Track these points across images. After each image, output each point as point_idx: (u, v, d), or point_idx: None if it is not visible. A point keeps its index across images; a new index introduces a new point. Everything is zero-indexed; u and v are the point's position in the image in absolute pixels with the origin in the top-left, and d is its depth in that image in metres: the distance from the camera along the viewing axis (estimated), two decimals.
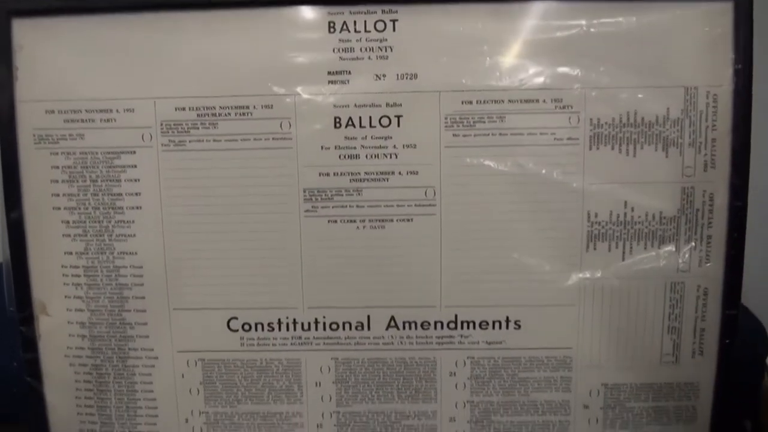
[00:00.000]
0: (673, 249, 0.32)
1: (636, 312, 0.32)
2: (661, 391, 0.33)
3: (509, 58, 0.30)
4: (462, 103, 0.31)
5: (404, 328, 0.33)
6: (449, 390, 0.34)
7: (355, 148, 0.31)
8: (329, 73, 0.31)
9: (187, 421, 0.34)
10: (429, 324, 0.33)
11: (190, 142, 0.32)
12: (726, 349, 0.32)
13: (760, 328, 0.39)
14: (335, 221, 0.32)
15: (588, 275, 0.32)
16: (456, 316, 0.33)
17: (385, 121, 0.31)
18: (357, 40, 0.31)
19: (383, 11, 0.31)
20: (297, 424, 0.34)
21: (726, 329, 0.32)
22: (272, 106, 0.31)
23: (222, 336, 0.33)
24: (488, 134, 0.31)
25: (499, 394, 0.34)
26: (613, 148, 0.31)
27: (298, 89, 0.31)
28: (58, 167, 0.32)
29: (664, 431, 0.34)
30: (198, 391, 0.34)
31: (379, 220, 0.32)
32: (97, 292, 0.33)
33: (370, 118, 0.31)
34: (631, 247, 0.32)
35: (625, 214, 0.32)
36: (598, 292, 0.32)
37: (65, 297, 0.33)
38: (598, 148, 0.31)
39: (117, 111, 0.31)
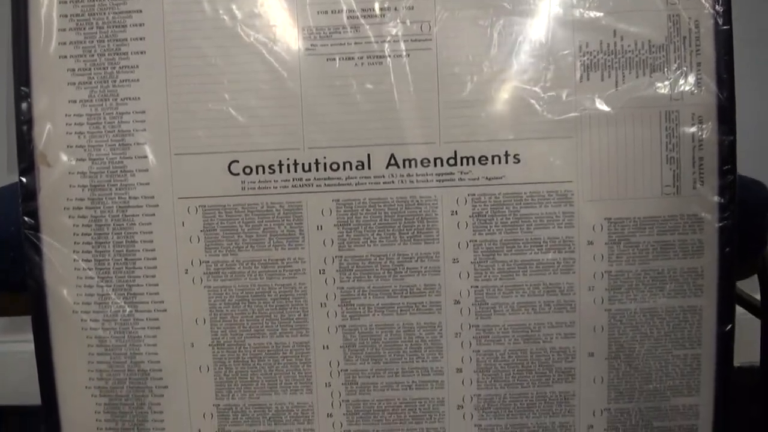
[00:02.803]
0: (665, 77, 0.35)
1: (633, 142, 0.35)
2: (665, 225, 0.36)
3: None
4: None
5: (404, 165, 0.36)
6: (451, 229, 0.36)
7: None
8: None
9: (186, 271, 0.36)
10: (429, 161, 0.36)
11: None
12: (726, 176, 0.35)
13: (757, 182, 0.42)
14: (334, 59, 0.35)
15: (583, 105, 0.35)
16: (455, 151, 0.36)
17: None
18: None
19: None
20: (299, 271, 0.36)
21: (724, 155, 0.35)
22: None
23: (223, 180, 0.36)
24: None
25: (502, 232, 0.36)
26: None
27: None
28: (66, 16, 0.36)
29: (672, 266, 0.36)
30: (198, 239, 0.36)
31: (377, 56, 0.35)
32: (99, 140, 0.36)
33: None
34: (623, 76, 0.35)
35: (615, 43, 0.35)
36: (595, 122, 0.35)
37: (67, 147, 0.36)
38: None
39: None
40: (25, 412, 0.59)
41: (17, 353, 0.71)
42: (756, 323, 0.47)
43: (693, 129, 0.36)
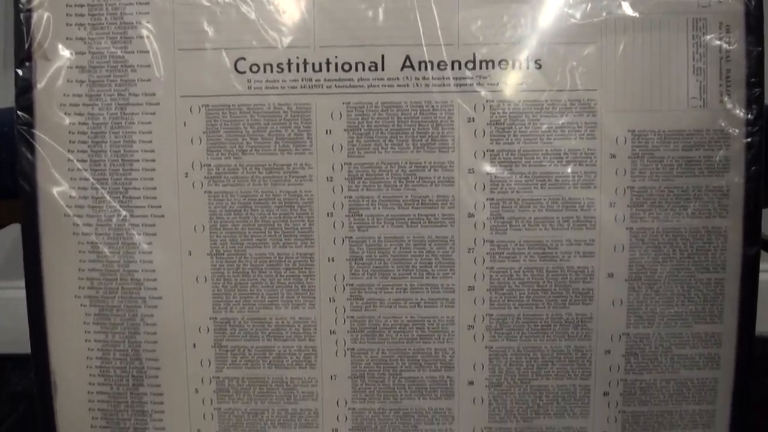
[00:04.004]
0: None
1: (659, 50, 0.35)
2: (690, 139, 0.35)
3: None
4: None
5: (420, 68, 0.35)
6: (468, 138, 0.35)
7: None
8: None
9: (186, 175, 0.35)
10: (446, 64, 0.35)
11: None
12: (753, 89, 0.34)
13: None
14: None
15: (608, 9, 0.34)
16: (474, 54, 0.35)
17: None
18: None
19: None
20: (305, 177, 0.35)
21: (752, 67, 0.34)
22: None
23: (228, 78, 0.35)
24: None
25: (521, 142, 0.35)
26: None
27: None
28: None
29: (696, 184, 0.35)
30: (200, 140, 0.35)
31: None
32: (100, 33, 0.35)
33: None
34: None
35: None
36: (620, 27, 0.34)
37: (67, 39, 0.35)
38: None
39: None
40: (6, 358, 0.57)
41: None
42: None
43: (720, 38, 0.34)
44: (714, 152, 0.35)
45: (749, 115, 0.35)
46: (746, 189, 0.35)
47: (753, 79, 0.35)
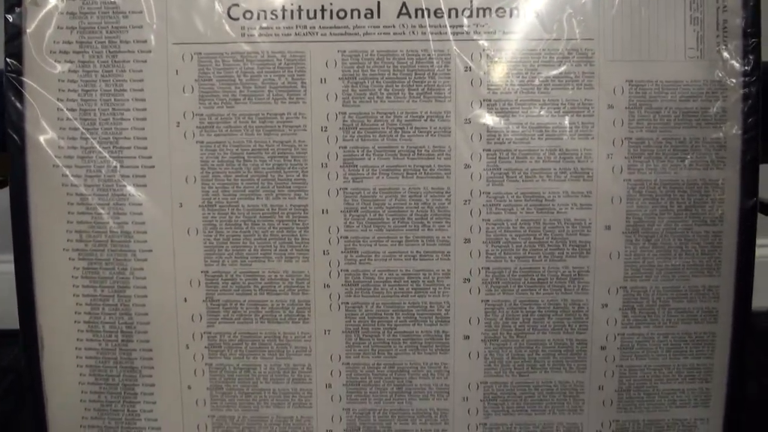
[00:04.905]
0: None
1: (657, 0, 0.34)
2: (688, 90, 0.35)
3: None
4: None
5: (416, 15, 0.34)
6: (464, 87, 0.34)
7: None
8: None
9: (178, 125, 0.35)
10: (442, 11, 0.34)
11: None
12: (749, 39, 0.34)
13: None
14: None
15: None
16: (471, 2, 0.34)
17: None
18: None
19: None
20: (299, 127, 0.35)
21: (748, 17, 0.34)
22: None
23: (221, 25, 0.34)
24: None
25: (518, 92, 0.34)
26: None
27: None
28: None
29: (694, 136, 0.35)
30: (192, 89, 0.34)
31: None
32: None
33: None
34: None
35: None
36: None
37: None
38: None
39: None
40: None
41: None
42: None
43: None
44: (711, 103, 0.35)
45: (746, 66, 0.35)
46: (743, 140, 0.35)
47: (749, 30, 0.35)
